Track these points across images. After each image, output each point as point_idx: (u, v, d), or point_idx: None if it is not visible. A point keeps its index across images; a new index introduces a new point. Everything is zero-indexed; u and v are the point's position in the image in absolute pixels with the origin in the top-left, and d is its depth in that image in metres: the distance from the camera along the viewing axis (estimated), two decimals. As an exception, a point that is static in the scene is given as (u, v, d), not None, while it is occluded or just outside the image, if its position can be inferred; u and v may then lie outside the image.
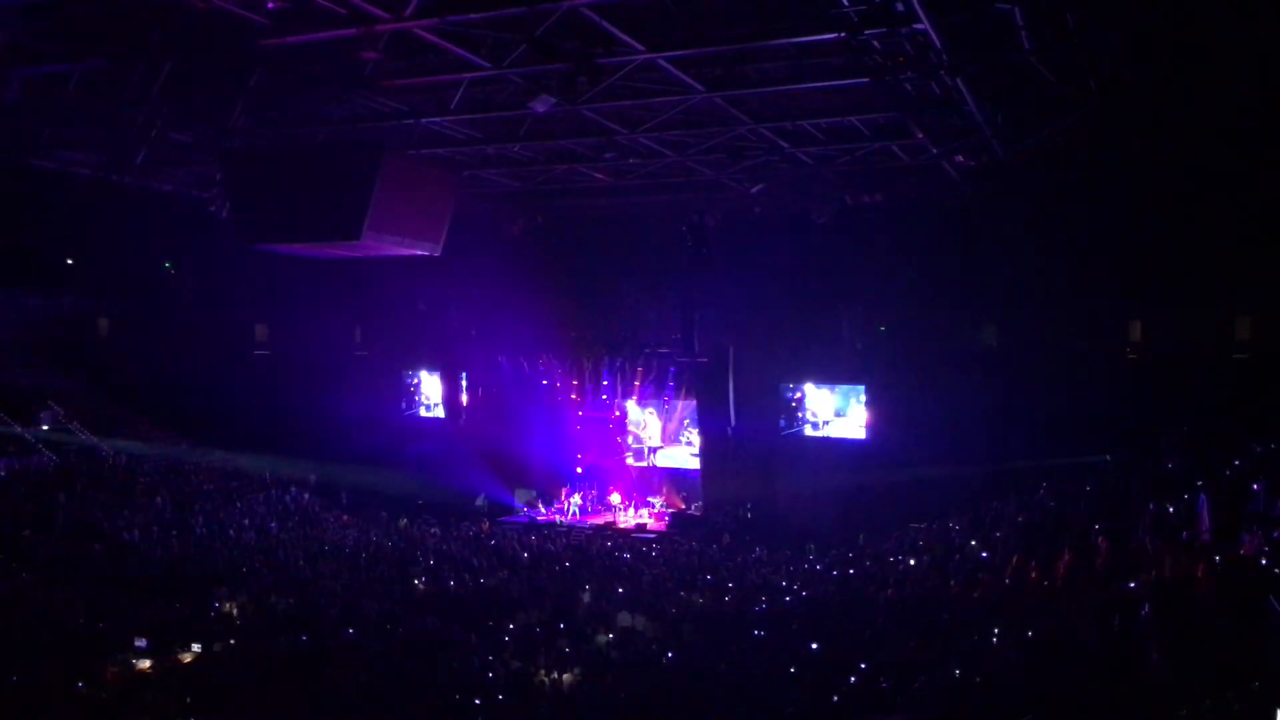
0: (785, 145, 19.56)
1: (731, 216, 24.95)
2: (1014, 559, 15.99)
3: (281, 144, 19.14)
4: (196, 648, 15.71)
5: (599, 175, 22.84)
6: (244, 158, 18.30)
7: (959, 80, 14.52)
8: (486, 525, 26.37)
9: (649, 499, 28.90)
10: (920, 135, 17.44)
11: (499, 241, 26.21)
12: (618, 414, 30.15)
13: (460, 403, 31.48)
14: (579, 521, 27.70)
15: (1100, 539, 15.37)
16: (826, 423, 26.73)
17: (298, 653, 16.00)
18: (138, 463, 25.94)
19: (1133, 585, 12.70)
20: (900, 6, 11.98)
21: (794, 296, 27.33)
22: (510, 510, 28.89)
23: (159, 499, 23.87)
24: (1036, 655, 11.26)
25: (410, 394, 32.09)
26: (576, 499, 29.31)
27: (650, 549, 23.71)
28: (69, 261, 30.15)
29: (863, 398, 26.34)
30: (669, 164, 21.40)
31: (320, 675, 14.76)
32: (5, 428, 25.23)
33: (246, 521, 23.82)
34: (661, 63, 14.81)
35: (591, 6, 12.75)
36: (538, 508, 29.15)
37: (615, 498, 29.27)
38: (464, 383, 31.32)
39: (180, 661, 15.47)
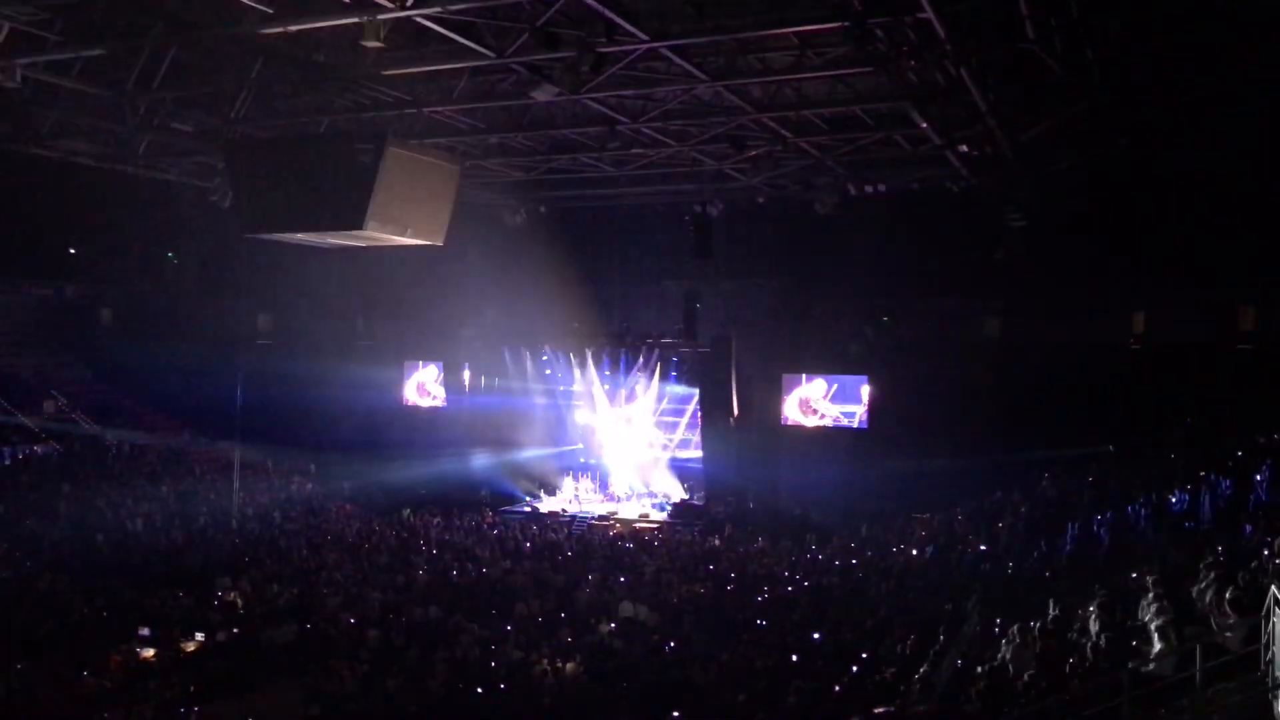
0: (788, 135, 19.51)
1: (734, 206, 24.89)
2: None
3: (284, 133, 19.11)
4: (200, 636, 15.76)
5: (602, 165, 22.79)
6: (247, 147, 18.28)
7: (962, 69, 14.46)
8: (489, 515, 26.39)
9: (651, 489, 28.95)
10: (923, 125, 17.37)
11: (501, 231, 26.17)
12: (620, 404, 30.18)
13: (463, 392, 31.46)
14: (581, 512, 27.70)
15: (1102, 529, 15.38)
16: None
17: (300, 642, 16.05)
18: (141, 452, 25.98)
19: (1134, 575, 12.70)
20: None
21: (797, 286, 27.31)
22: (513, 500, 28.92)
23: (162, 488, 23.92)
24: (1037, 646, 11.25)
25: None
26: (579, 489, 29.33)
27: (653, 539, 23.75)
28: (72, 251, 30.18)
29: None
30: (672, 154, 21.34)
31: (323, 664, 14.81)
32: (9, 417, 25.27)
33: (249, 511, 23.87)
34: (664, 51, 14.76)
35: (594, -5, 12.70)
36: (540, 498, 29.18)
37: (617, 488, 29.29)
38: (466, 372, 31.31)
39: (184, 650, 15.52)
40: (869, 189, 21.99)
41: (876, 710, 10.43)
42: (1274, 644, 7.52)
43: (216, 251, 28.96)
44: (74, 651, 15.17)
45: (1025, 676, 9.36)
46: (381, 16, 12.83)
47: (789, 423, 27.11)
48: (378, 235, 17.67)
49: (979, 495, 20.89)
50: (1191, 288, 23.21)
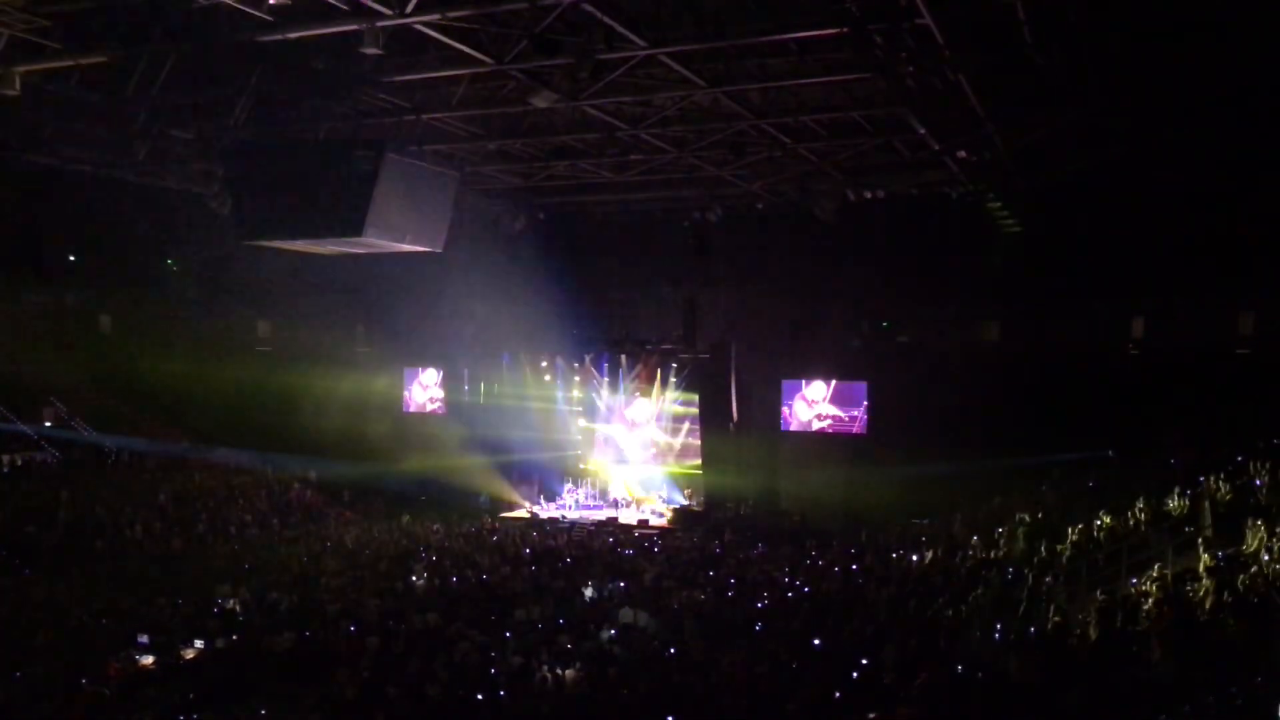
0: (787, 141, 19.53)
1: (733, 212, 24.92)
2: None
3: (283, 140, 19.11)
4: (199, 644, 15.72)
5: (601, 171, 22.81)
6: (245, 154, 18.26)
7: (961, 75, 14.48)
8: (488, 521, 26.36)
9: (651, 495, 28.94)
10: (922, 130, 17.39)
11: (500, 238, 26.18)
12: (619, 410, 30.17)
13: (462, 398, 31.46)
14: (580, 518, 27.68)
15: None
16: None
17: (300, 649, 16.02)
18: (140, 459, 25.94)
19: (1134, 581, 12.70)
20: (903, 0, 11.97)
21: (796, 292, 27.33)
22: (512, 506, 28.89)
23: (161, 495, 23.88)
24: (1038, 651, 11.25)
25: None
26: (578, 495, 29.30)
27: (652, 545, 23.73)
28: (71, 258, 30.18)
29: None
30: (671, 160, 21.36)
31: (322, 672, 14.78)
32: (8, 424, 25.24)
33: (248, 518, 23.84)
34: (663, 58, 14.78)
35: (593, 1, 12.73)
36: (539, 504, 29.16)
37: (617, 493, 29.27)
38: (466, 378, 31.31)
39: (182, 658, 15.48)
40: (868, 195, 22.01)
41: (877, 716, 10.41)
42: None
43: (215, 259, 28.93)
44: (72, 659, 15.12)
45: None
46: (380, 23, 12.86)
47: (789, 428, 27.11)
48: (377, 242, 17.67)
49: (978, 501, 20.88)
50: (1190, 292, 23.25)
